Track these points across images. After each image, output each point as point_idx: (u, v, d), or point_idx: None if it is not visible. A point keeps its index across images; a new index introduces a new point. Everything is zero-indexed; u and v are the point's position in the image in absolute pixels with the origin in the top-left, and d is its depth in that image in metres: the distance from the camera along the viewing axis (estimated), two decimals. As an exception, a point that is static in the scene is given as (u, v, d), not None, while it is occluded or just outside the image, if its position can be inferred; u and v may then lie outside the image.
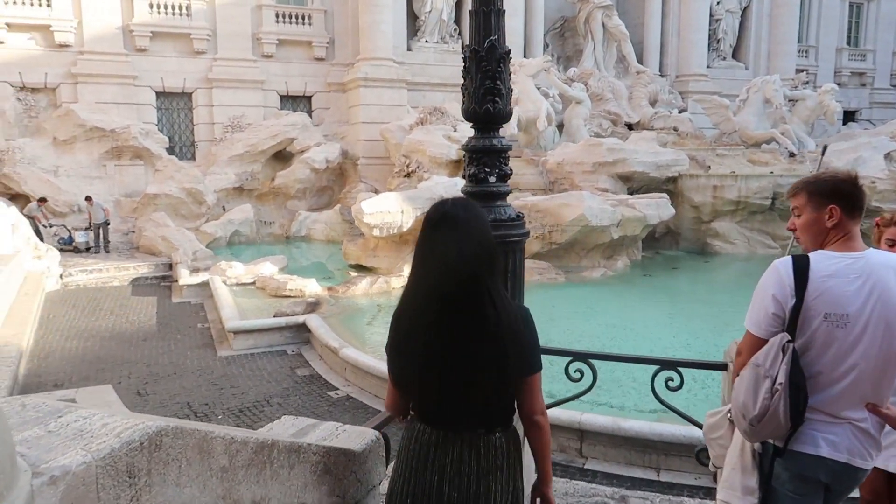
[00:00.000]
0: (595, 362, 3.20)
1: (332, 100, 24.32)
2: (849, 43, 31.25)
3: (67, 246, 17.49)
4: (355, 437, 1.87)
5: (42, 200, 17.98)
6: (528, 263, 14.31)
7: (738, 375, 2.22)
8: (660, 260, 17.23)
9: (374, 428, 2.02)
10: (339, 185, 23.29)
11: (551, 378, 3.41)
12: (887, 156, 21.32)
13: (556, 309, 12.00)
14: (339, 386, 8.85)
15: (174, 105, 22.55)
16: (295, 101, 24.10)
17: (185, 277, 14.41)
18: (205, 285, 13.83)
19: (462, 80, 2.96)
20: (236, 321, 10.74)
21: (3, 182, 18.73)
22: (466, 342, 1.85)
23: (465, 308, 1.83)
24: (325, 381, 9.07)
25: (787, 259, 2.15)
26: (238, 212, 20.42)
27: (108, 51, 20.68)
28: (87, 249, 17.59)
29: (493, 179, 2.96)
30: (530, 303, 9.79)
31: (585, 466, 6.73)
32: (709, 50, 27.19)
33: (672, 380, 2.89)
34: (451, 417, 1.92)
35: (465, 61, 2.97)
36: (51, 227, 17.84)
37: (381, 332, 2.02)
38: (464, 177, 3.05)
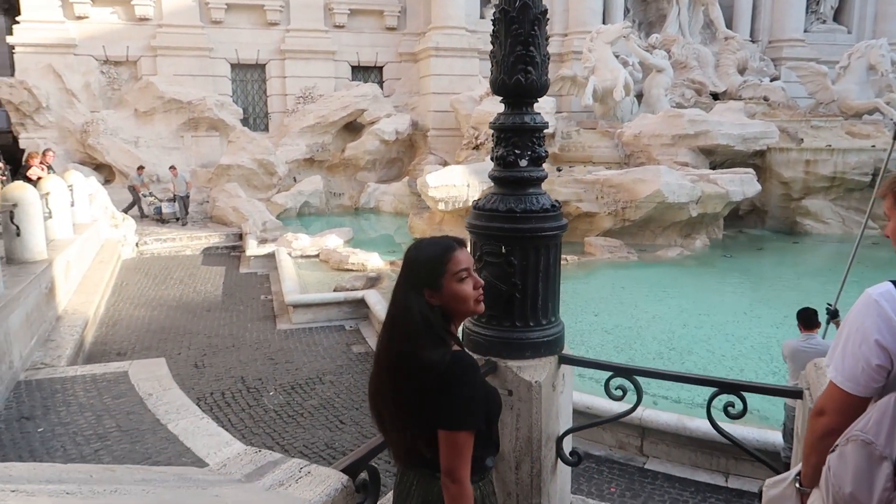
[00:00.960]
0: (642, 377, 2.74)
1: (403, 70, 24.00)
2: (971, 1, 28.16)
3: (158, 215, 17.82)
4: (317, 483, 1.55)
5: (140, 168, 18.31)
6: (598, 241, 13.78)
7: (817, 437, 1.69)
8: (743, 240, 16.17)
9: (346, 469, 1.69)
10: (408, 156, 23.08)
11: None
12: None
13: (625, 291, 11.38)
14: (394, 365, 8.64)
15: (248, 76, 22.81)
16: (366, 72, 23.93)
17: (252, 248, 14.58)
18: (271, 256, 13.93)
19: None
20: (296, 295, 10.71)
21: (88, 152, 19.49)
22: (393, 389, 1.81)
23: (395, 361, 1.82)
24: (380, 359, 8.88)
25: (888, 288, 1.60)
26: (308, 183, 20.55)
27: (184, 23, 21.03)
28: (177, 220, 17.82)
29: (524, 163, 2.53)
30: (598, 283, 9.28)
31: (646, 466, 6.26)
32: (807, 12, 25.10)
33: (733, 405, 2.42)
34: (396, 453, 1.91)
35: (493, 24, 2.54)
36: (148, 196, 18.17)
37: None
38: (492, 159, 2.64)
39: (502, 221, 2.50)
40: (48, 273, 8.55)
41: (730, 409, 2.42)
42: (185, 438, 5.40)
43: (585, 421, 6.59)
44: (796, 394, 2.40)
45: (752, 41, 24.28)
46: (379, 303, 10.12)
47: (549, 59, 2.56)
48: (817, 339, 5.57)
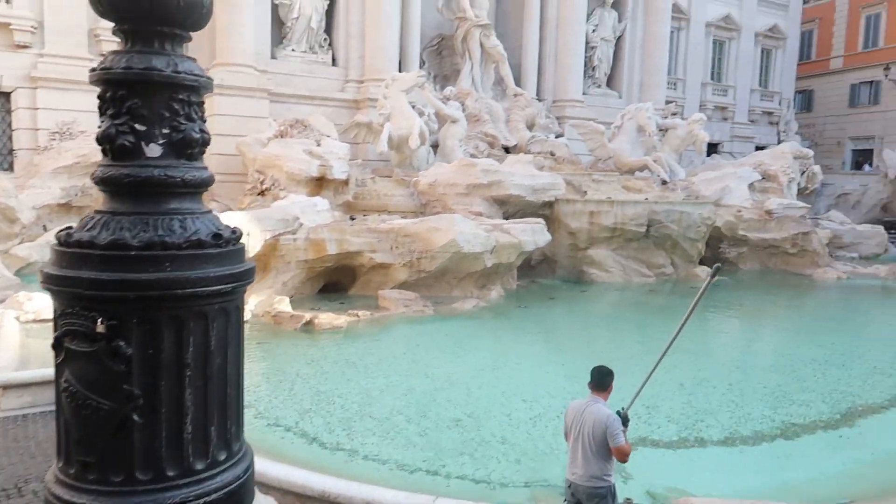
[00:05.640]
0: None
1: (184, 108, 21.73)
2: (712, 78, 32.51)
3: None
4: None
5: None
6: (392, 294, 12.77)
7: None
8: (536, 289, 16.19)
9: None
10: (189, 203, 20.71)
11: None
12: (751, 186, 21.83)
13: (420, 348, 10.44)
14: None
15: (-14, 105, 19.19)
16: (139, 108, 21.31)
17: (-35, 311, 11.55)
18: (-8, 321, 11.08)
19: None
20: (7, 372, 8.29)
21: None
22: None
23: None
24: (114, 452, 6.90)
25: None
26: (60, 231, 17.41)
27: None
28: None
29: (154, 150, 1.30)
30: (391, 341, 7.88)
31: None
32: (585, 77, 27.11)
33: None
34: None
35: None
36: None
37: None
38: (98, 141, 1.36)
39: (100, 267, 1.21)
40: None
41: None
42: None
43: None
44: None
45: (539, 99, 25.55)
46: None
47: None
48: (601, 404, 4.64)
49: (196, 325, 1.28)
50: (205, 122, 1.36)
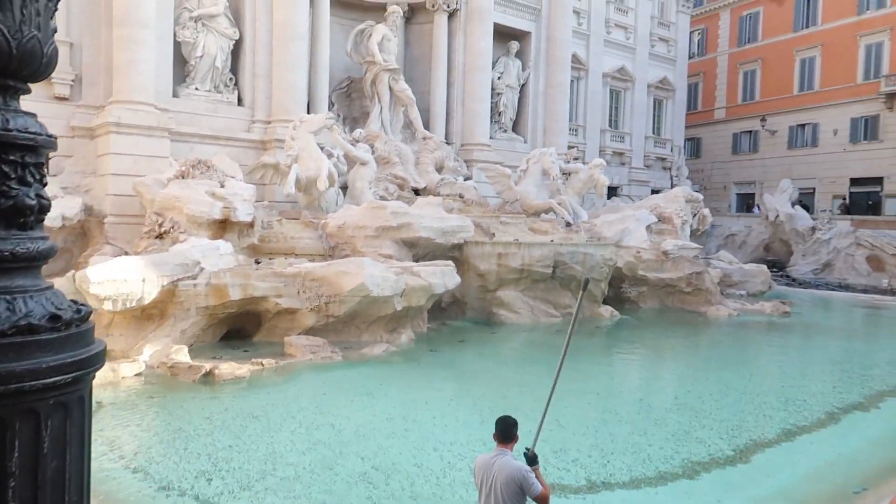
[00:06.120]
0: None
1: (76, 146, 20.56)
2: (610, 125, 34.21)
3: None
4: None
5: None
6: (300, 340, 12.34)
7: None
8: (446, 332, 16.14)
9: None
10: (80, 247, 19.46)
11: None
12: (648, 227, 22.86)
13: (327, 397, 10.08)
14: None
15: None
16: (25, 145, 19.97)
17: None
18: None
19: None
20: None
21: None
22: None
23: None
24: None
25: None
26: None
27: None
28: None
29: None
30: (297, 391, 7.52)
31: None
32: (491, 122, 27.85)
33: None
34: None
35: None
36: None
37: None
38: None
39: None
40: None
41: None
42: None
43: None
44: None
45: (448, 143, 25.96)
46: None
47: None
48: (509, 457, 4.50)
49: (24, 426, 1.08)
50: (45, 185, 1.19)
